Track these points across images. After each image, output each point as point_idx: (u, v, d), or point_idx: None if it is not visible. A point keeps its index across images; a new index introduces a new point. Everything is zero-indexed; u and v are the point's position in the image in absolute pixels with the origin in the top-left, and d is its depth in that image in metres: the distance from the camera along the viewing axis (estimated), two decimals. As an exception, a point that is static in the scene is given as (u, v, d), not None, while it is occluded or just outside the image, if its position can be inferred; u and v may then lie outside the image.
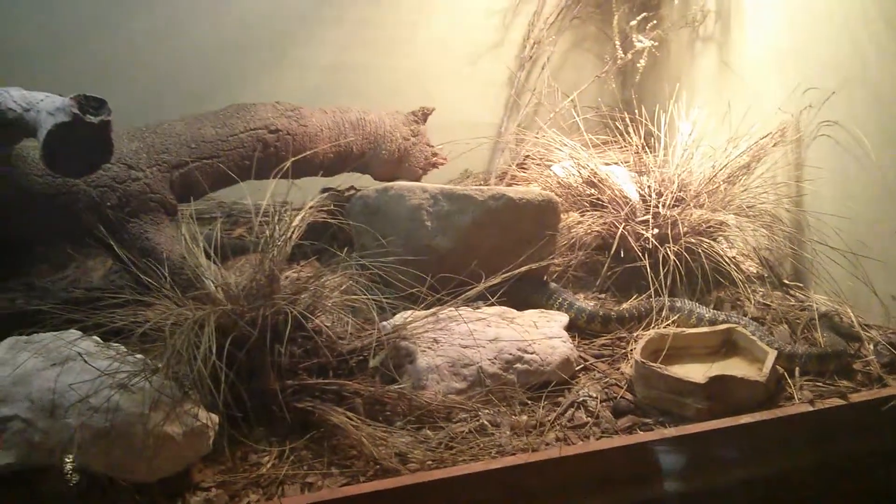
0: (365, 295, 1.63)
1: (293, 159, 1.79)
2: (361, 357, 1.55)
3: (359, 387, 1.44)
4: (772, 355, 1.52)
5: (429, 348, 1.52)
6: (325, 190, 2.24)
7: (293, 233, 1.64)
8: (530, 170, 2.17)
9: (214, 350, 1.28)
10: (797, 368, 1.55)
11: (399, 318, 1.61)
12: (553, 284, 1.85)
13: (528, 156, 2.23)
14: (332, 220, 2.04)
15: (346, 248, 1.89)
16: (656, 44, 2.27)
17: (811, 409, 1.45)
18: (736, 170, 1.91)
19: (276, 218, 1.63)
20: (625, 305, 1.81)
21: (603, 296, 1.92)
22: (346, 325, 1.63)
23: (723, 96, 2.15)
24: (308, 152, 1.92)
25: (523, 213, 1.77)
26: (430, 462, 1.32)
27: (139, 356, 1.35)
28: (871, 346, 1.64)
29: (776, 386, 1.52)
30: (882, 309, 1.73)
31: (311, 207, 1.78)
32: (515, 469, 1.29)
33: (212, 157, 1.82)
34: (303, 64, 2.40)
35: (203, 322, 1.33)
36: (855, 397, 1.49)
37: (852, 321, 1.73)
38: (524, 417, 1.44)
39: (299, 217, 1.68)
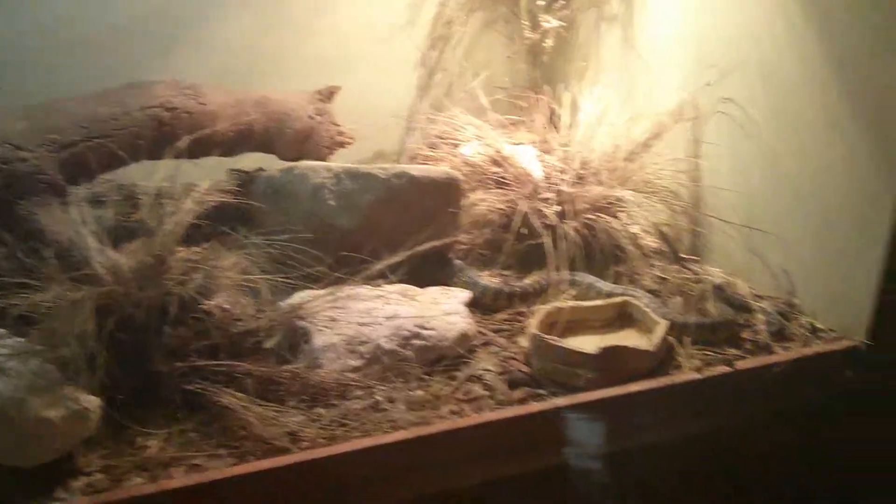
0: (262, 275, 1.63)
1: (188, 138, 1.75)
2: (258, 338, 1.54)
3: (251, 367, 1.43)
4: (662, 326, 1.57)
5: (326, 327, 1.52)
6: (233, 171, 2.19)
7: (186, 214, 1.62)
8: (441, 150, 2.17)
9: (96, 332, 1.26)
10: (688, 338, 1.60)
11: (297, 298, 1.60)
12: (458, 262, 1.86)
13: (438, 136, 2.22)
14: (235, 201, 2.04)
15: (248, 229, 1.88)
16: (564, 24, 2.29)
17: (698, 376, 1.50)
18: (636, 147, 1.95)
19: (169, 199, 1.60)
20: (527, 281, 1.83)
21: (507, 272, 1.94)
22: (245, 307, 1.62)
23: (627, 75, 2.18)
24: (206, 130, 1.88)
25: (426, 192, 1.77)
26: (321, 440, 1.32)
27: (19, 339, 1.31)
28: (762, 316, 1.70)
29: (667, 355, 1.56)
30: (773, 280, 1.79)
31: (209, 188, 1.77)
32: (406, 443, 1.30)
33: (105, 137, 1.76)
34: (209, 46, 2.34)
35: (84, 303, 1.30)
36: (741, 364, 1.55)
37: (744, 292, 1.79)
38: (420, 392, 1.45)
39: (191, 198, 1.65)
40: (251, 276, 1.65)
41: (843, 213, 1.61)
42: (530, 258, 1.91)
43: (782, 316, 1.69)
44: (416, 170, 1.76)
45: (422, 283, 1.77)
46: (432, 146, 2.26)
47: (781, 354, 1.57)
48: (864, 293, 1.56)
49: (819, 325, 1.67)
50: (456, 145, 2.11)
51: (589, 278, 1.80)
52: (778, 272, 1.77)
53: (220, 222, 1.88)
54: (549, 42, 2.28)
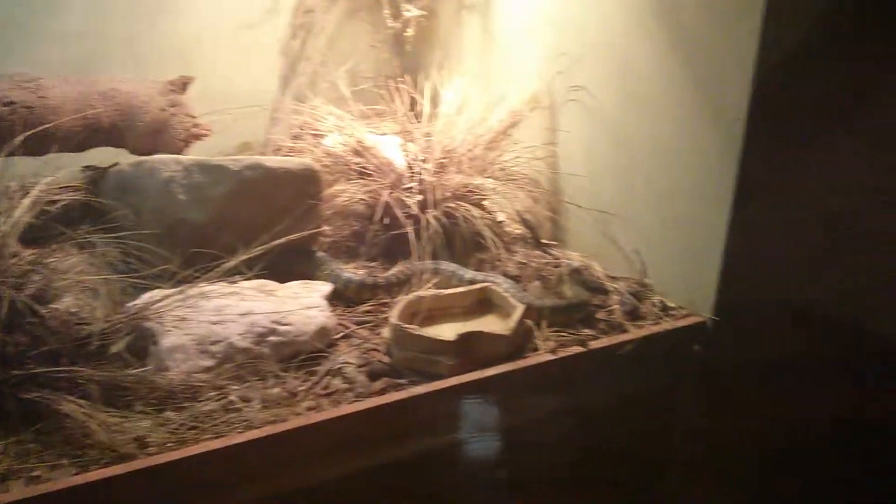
0: (110, 275, 1.56)
1: (26, 134, 1.64)
2: (103, 342, 1.47)
3: (94, 373, 1.36)
4: (519, 310, 1.59)
5: (175, 327, 1.46)
6: (86, 168, 2.08)
7: (24, 213, 1.52)
8: (304, 141, 2.13)
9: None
10: (545, 321, 1.63)
11: (145, 298, 1.53)
12: (320, 255, 1.84)
13: (301, 127, 2.18)
14: (85, 199, 1.94)
15: (99, 227, 1.80)
16: (425, 13, 2.29)
17: (553, 357, 1.53)
18: (495, 136, 1.97)
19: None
20: (391, 271, 1.82)
21: (372, 264, 1.93)
22: (92, 309, 1.54)
23: (487, 64, 2.21)
24: (48, 125, 1.77)
25: (282, 183, 1.73)
26: (170, 444, 1.27)
27: None
28: (616, 297, 1.76)
29: (525, 338, 1.59)
30: (626, 262, 1.86)
31: (51, 185, 1.68)
32: (259, 442, 1.26)
33: (-64, 134, 1.63)
34: (51, 34, 2.20)
35: None
36: (595, 344, 1.60)
37: (600, 275, 1.85)
38: (276, 390, 1.41)
39: (30, 197, 1.56)
40: (97, 277, 1.59)
41: (688, 195, 1.68)
42: (395, 248, 1.91)
43: (635, 296, 1.75)
44: (270, 161, 1.71)
45: (284, 277, 1.73)
46: (296, 137, 2.21)
47: (633, 333, 1.63)
48: (709, 272, 1.63)
49: (670, 304, 1.74)
50: (318, 136, 2.08)
51: (452, 266, 1.81)
52: (630, 254, 1.83)
53: (71, 221, 1.80)
54: (410, 31, 2.27)
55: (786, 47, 1.45)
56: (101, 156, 2.02)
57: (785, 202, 1.59)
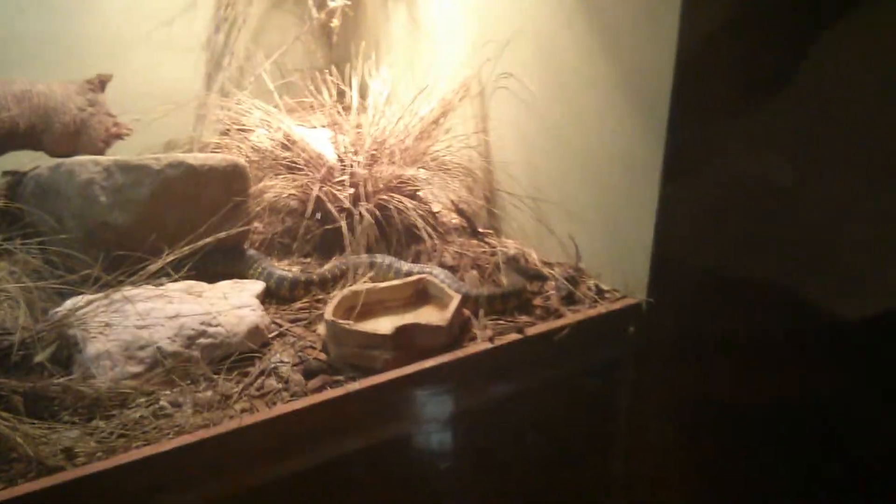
0: (32, 283, 1.50)
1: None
2: (26, 352, 1.42)
3: (16, 384, 1.30)
4: (455, 300, 1.58)
5: (100, 334, 1.41)
6: (6, 172, 1.99)
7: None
8: (232, 137, 2.08)
9: None
10: (482, 310, 1.63)
11: (69, 305, 1.47)
12: (250, 252, 1.79)
13: (228, 123, 2.13)
14: (3, 205, 1.86)
15: (19, 234, 1.73)
16: (349, 2, 2.25)
17: (490, 346, 1.53)
18: (426, 126, 1.95)
19: None
20: (326, 267, 1.79)
21: (307, 259, 1.90)
22: (15, 319, 1.48)
23: (415, 53, 2.19)
24: (-44, 130, 1.69)
25: (207, 181, 1.68)
26: (99, 454, 1.23)
27: None
28: (552, 283, 1.77)
29: (462, 329, 1.58)
30: (561, 248, 1.86)
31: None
32: (191, 447, 1.23)
33: None
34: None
35: None
36: (532, 330, 1.60)
37: (535, 261, 1.86)
38: (209, 393, 1.38)
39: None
40: (17, 286, 1.53)
41: (617, 178, 1.69)
42: (330, 243, 1.88)
43: (570, 281, 1.76)
44: (193, 158, 1.66)
45: (214, 278, 1.69)
46: (222, 133, 2.17)
47: (568, 318, 1.63)
48: (642, 253, 1.65)
49: (605, 287, 1.75)
50: (245, 131, 2.03)
51: (388, 259, 1.79)
52: (564, 239, 1.84)
53: None
54: (336, 21, 2.24)
55: (706, 21, 1.46)
56: (24, 159, 1.96)
57: (712, 179, 1.62)
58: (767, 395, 1.71)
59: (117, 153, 2.02)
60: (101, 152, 1.95)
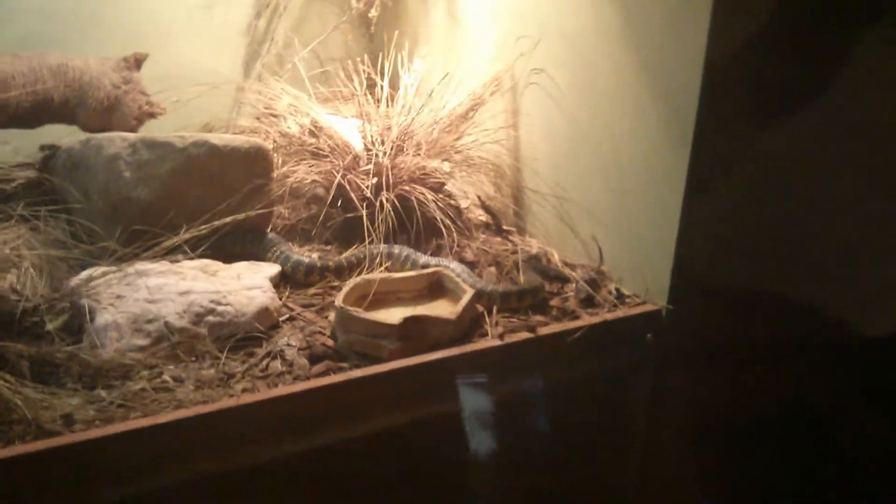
0: (52, 252, 1.54)
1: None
2: (37, 318, 1.44)
3: (22, 348, 1.32)
4: (468, 294, 1.56)
5: (110, 305, 1.42)
6: (44, 147, 2.04)
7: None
8: (264, 121, 2.09)
9: None
10: (496, 306, 1.60)
11: (84, 275, 1.49)
12: (271, 236, 1.79)
13: (263, 108, 2.14)
14: (38, 177, 1.91)
15: (52, 205, 1.77)
16: (389, -7, 2.25)
17: (500, 343, 1.50)
18: (455, 119, 1.93)
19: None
20: (344, 255, 1.78)
21: (328, 247, 1.89)
22: (35, 286, 1.51)
23: (451, 46, 2.17)
24: (-7, 100, 1.73)
25: (230, 162, 1.68)
26: (98, 422, 1.24)
27: None
28: (572, 284, 1.73)
29: (473, 324, 1.56)
30: (584, 249, 1.82)
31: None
32: (186, 422, 1.23)
33: None
34: (14, 10, 2.16)
35: None
36: (545, 330, 1.56)
37: (557, 262, 1.82)
38: (212, 371, 1.38)
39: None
40: (38, 254, 1.57)
41: (642, 182, 1.64)
42: (351, 232, 1.87)
43: (590, 283, 1.72)
44: (217, 138, 1.67)
45: (233, 258, 1.70)
46: (255, 118, 2.18)
47: (584, 320, 1.59)
48: (664, 260, 1.60)
49: (625, 291, 1.71)
50: (276, 116, 2.04)
51: (406, 251, 1.78)
52: (588, 241, 1.80)
53: (28, 199, 1.77)
54: (374, 12, 2.23)
55: (735, 32, 1.41)
56: (62, 133, 2.00)
57: (737, 191, 1.56)
58: (786, 405, 1.65)
59: (152, 132, 2.05)
60: (133, 130, 1.97)
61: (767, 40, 1.46)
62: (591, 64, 1.70)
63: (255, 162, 1.71)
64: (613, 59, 1.65)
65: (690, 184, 1.51)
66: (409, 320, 1.45)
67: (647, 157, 1.61)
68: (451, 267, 1.70)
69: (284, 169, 1.86)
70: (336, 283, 1.70)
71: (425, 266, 1.73)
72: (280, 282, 1.69)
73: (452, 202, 1.93)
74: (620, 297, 1.70)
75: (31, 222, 1.72)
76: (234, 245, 1.73)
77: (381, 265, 1.74)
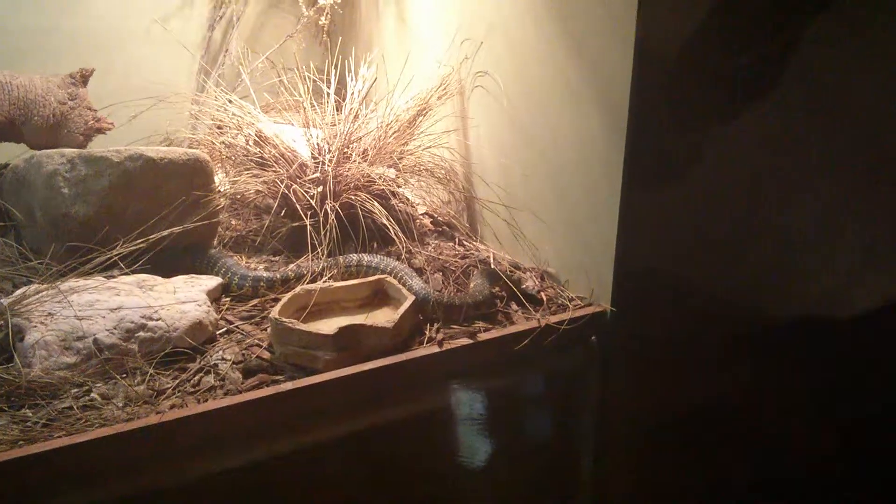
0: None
1: None
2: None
3: (-53, 370, 1.31)
4: (406, 302, 1.54)
5: (41, 323, 1.40)
6: (0, 166, 2.03)
7: None
8: (207, 133, 2.07)
9: None
10: (440, 313, 1.58)
11: (18, 294, 1.48)
12: (213, 251, 1.78)
13: (206, 119, 2.12)
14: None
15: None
16: (339, 0, 2.23)
17: (438, 350, 1.48)
18: (403, 125, 1.92)
19: None
20: (290, 266, 1.77)
21: (276, 258, 1.87)
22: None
23: (399, 52, 2.16)
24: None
25: (167, 175, 1.67)
26: (21, 442, 1.22)
27: None
28: (522, 286, 1.71)
29: (413, 330, 1.54)
30: (532, 252, 1.80)
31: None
32: (108, 440, 1.21)
33: None
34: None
35: None
36: (487, 335, 1.54)
37: (505, 266, 1.80)
38: (142, 387, 1.36)
39: None
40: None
41: (583, 185, 1.63)
42: (300, 241, 1.85)
43: (537, 286, 1.70)
44: (153, 151, 1.66)
45: (177, 272, 1.68)
46: (214, 129, 2.16)
47: (526, 324, 1.57)
48: (605, 261, 1.59)
49: (571, 294, 1.69)
50: (221, 127, 2.02)
51: (355, 257, 1.76)
52: (535, 245, 1.78)
53: None
54: (325, 20, 2.22)
55: (663, 23, 1.40)
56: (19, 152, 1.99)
57: (675, 183, 1.54)
58: (731, 399, 1.62)
59: (104, 146, 2.04)
60: (81, 146, 1.96)
61: (699, 34, 1.45)
62: (531, 62, 1.69)
63: (193, 174, 1.70)
64: (549, 57, 1.64)
65: (627, 182, 1.49)
66: (344, 330, 1.43)
67: (588, 155, 1.59)
68: (398, 272, 1.68)
69: (229, 180, 1.84)
70: (278, 295, 1.68)
71: (376, 267, 1.71)
72: (221, 294, 1.67)
73: (403, 208, 1.91)
74: (567, 299, 1.68)
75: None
76: (175, 259, 1.71)
77: (330, 274, 1.71)
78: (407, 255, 1.82)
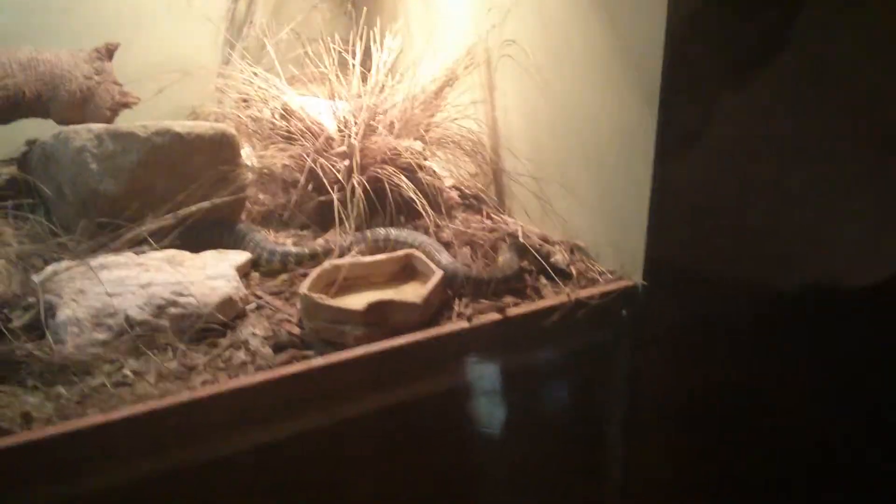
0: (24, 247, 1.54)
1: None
2: (4, 316, 1.44)
3: (-17, 347, 1.32)
4: (435, 277, 1.53)
5: (72, 300, 1.41)
6: (30, 142, 2.04)
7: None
8: (233, 106, 2.06)
9: None
10: (469, 288, 1.57)
11: (49, 271, 1.49)
12: (242, 225, 1.77)
13: (231, 93, 2.10)
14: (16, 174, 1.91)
15: (23, 201, 1.77)
16: (363, -30, 2.20)
17: (467, 325, 1.47)
18: (429, 96, 1.89)
19: None
20: (318, 241, 1.76)
21: (304, 232, 1.87)
22: (9, 283, 1.52)
23: (426, 21, 2.12)
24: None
25: (194, 149, 1.66)
26: (55, 419, 1.23)
27: None
28: (552, 260, 1.69)
29: (441, 305, 1.53)
30: (561, 225, 1.78)
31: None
32: (142, 417, 1.22)
33: None
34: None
35: None
36: (516, 311, 1.52)
37: (535, 239, 1.78)
38: (174, 364, 1.37)
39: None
40: (12, 250, 1.57)
41: (615, 155, 1.58)
42: (328, 216, 1.84)
43: (567, 260, 1.68)
44: (180, 126, 1.65)
45: (205, 248, 1.68)
46: (240, 102, 2.15)
47: (556, 299, 1.55)
48: (637, 235, 1.55)
49: (601, 268, 1.66)
50: (247, 101, 2.01)
51: (383, 231, 1.75)
52: (565, 218, 1.76)
53: (10, 195, 1.78)
54: (349, -11, 2.19)
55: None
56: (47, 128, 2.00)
57: (709, 154, 1.50)
58: (765, 380, 1.60)
59: (130, 122, 2.04)
60: (108, 121, 1.96)
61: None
62: (561, 32, 1.64)
63: (220, 148, 1.69)
64: (581, 26, 1.59)
65: (660, 154, 1.45)
66: (373, 305, 1.42)
67: (619, 126, 1.55)
68: (426, 244, 1.67)
69: (256, 154, 1.83)
70: (307, 271, 1.68)
71: (403, 242, 1.70)
72: (250, 269, 1.67)
73: (430, 181, 1.89)
74: (597, 273, 1.66)
75: (10, 219, 1.73)
76: (207, 235, 1.71)
77: (357, 249, 1.70)
78: (434, 229, 1.81)
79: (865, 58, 1.48)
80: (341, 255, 1.67)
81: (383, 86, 1.90)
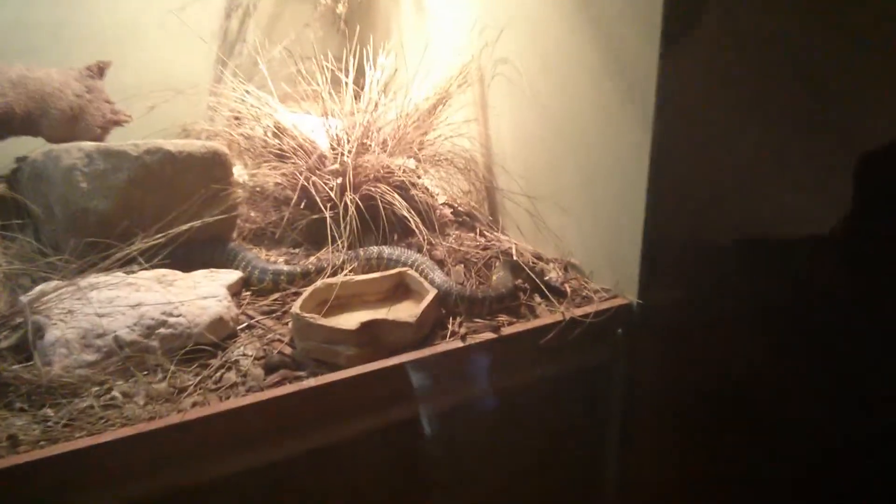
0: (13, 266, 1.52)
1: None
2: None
3: (-32, 370, 1.30)
4: (429, 296, 1.51)
5: (61, 321, 1.39)
6: (19, 159, 2.02)
7: None
8: (225, 124, 2.05)
9: None
10: (462, 306, 1.55)
11: (37, 291, 1.47)
12: (233, 244, 1.76)
13: (224, 111, 2.10)
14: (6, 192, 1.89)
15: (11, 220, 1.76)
16: (356, -13, 2.20)
17: (461, 345, 1.45)
18: (423, 114, 1.88)
19: None
20: (310, 259, 1.75)
21: (296, 250, 1.85)
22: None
23: (418, 40, 2.12)
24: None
25: (185, 168, 1.65)
26: (42, 442, 1.21)
27: None
28: (546, 278, 1.68)
29: (435, 324, 1.51)
30: (556, 243, 1.77)
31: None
32: (130, 440, 1.20)
33: None
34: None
35: None
36: (511, 329, 1.51)
37: (528, 257, 1.77)
38: (164, 385, 1.35)
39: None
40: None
41: (608, 174, 1.58)
42: (320, 234, 1.83)
43: (561, 278, 1.67)
44: (171, 144, 1.64)
45: (196, 266, 1.67)
46: (232, 120, 2.14)
47: (550, 317, 1.54)
48: (632, 252, 1.55)
49: (596, 286, 1.65)
50: (239, 119, 2.00)
51: (376, 249, 1.73)
52: (558, 235, 1.75)
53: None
54: (341, 7, 2.19)
55: (690, 15, 1.35)
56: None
57: (701, 180, 1.50)
58: (761, 396, 1.59)
59: (122, 140, 2.03)
60: (98, 139, 1.95)
61: (723, 22, 1.40)
62: (554, 50, 1.65)
63: (212, 167, 1.68)
64: (573, 44, 1.59)
65: (654, 168, 1.45)
66: (366, 325, 1.41)
67: (612, 144, 1.55)
68: (419, 264, 1.65)
69: (248, 172, 1.82)
70: (299, 290, 1.66)
71: (397, 260, 1.69)
72: (241, 288, 1.65)
73: (423, 199, 1.88)
74: (592, 291, 1.65)
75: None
76: (195, 253, 1.69)
77: (350, 267, 1.69)
78: (428, 247, 1.80)
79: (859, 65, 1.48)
80: (334, 274, 1.66)
81: (376, 104, 1.90)
